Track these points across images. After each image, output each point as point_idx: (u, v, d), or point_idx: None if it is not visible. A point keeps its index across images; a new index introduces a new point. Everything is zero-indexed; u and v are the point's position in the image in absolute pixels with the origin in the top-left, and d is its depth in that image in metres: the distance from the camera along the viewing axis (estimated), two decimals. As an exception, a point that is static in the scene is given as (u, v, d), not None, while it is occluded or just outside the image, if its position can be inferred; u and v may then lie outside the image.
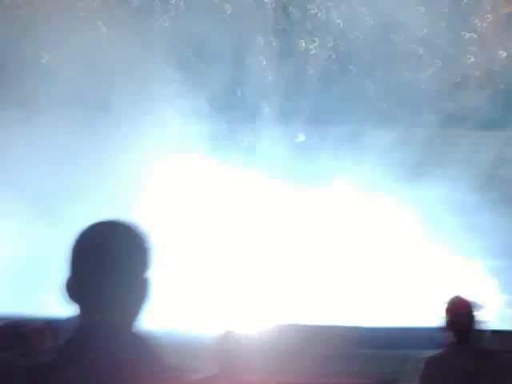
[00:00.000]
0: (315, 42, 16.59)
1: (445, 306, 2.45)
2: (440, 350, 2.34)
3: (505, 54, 16.17)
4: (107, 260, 1.01)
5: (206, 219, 14.98)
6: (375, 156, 15.84)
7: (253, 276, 14.72)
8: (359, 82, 16.44)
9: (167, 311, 13.78)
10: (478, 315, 2.34)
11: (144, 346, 1.00)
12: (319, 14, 16.61)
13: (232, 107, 16.58)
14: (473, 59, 16.29)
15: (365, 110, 16.07)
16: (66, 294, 1.03)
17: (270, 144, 15.83)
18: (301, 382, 5.67)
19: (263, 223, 15.71)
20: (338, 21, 15.79)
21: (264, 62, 16.16)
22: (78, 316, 1.03)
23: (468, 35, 15.96)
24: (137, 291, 1.04)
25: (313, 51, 16.57)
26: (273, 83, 16.16)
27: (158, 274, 1.05)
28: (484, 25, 16.07)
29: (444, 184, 15.93)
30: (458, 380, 2.26)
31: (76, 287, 1.03)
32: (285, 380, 5.12)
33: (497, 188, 17.64)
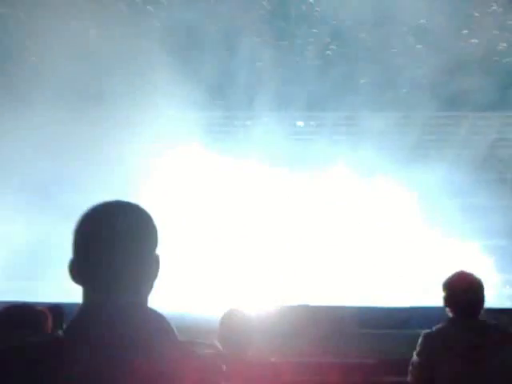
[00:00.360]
0: (312, 28, 16.42)
1: (444, 282, 2.48)
2: (439, 325, 2.36)
3: (501, 36, 16.06)
4: (113, 238, 0.99)
5: (205, 204, 15.01)
6: (373, 140, 15.83)
7: (256, 258, 14.85)
8: (356, 67, 16.31)
9: (174, 292, 13.94)
10: (478, 290, 2.38)
11: (155, 321, 0.98)
12: (315, 2, 16.42)
13: (228, 94, 16.46)
14: (469, 42, 16.17)
15: (362, 95, 15.97)
16: (71, 274, 1.01)
17: (267, 130, 15.79)
18: (302, 361, 5.75)
19: (262, 207, 15.77)
20: (334, 8, 15.58)
21: (260, 50, 16.00)
22: (85, 295, 1.00)
23: (463, 18, 15.82)
24: (145, 268, 1.02)
25: (310, 38, 16.41)
26: (270, 70, 16.03)
27: (163, 255, 1.07)
28: (478, 9, 15.94)
29: (441, 166, 15.97)
30: (457, 354, 2.28)
31: (82, 267, 1.00)
32: (287, 358, 5.21)
33: (493, 169, 17.68)
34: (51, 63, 13.72)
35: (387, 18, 15.59)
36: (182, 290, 12.87)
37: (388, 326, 9.80)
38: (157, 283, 1.04)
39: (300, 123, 17.86)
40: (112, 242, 0.97)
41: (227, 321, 2.34)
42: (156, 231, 1.04)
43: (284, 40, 16.73)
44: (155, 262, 1.02)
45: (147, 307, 0.98)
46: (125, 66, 14.25)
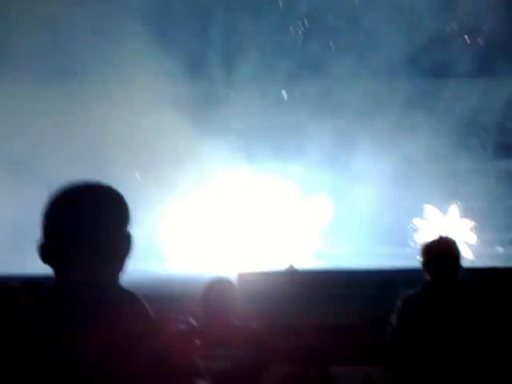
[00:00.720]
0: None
1: (422, 247, 2.53)
2: (418, 289, 2.41)
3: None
4: (81, 218, 0.98)
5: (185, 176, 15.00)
6: (355, 107, 15.84)
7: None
8: (336, 37, 16.22)
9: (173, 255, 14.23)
10: (454, 254, 2.42)
11: (127, 299, 0.98)
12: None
13: (209, 66, 16.24)
14: (449, 12, 16.16)
15: (343, 65, 15.91)
16: (41, 255, 1.00)
17: (249, 100, 15.67)
18: (288, 324, 5.87)
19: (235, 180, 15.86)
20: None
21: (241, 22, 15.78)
22: (56, 275, 0.99)
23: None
24: (115, 247, 1.01)
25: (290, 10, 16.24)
26: (251, 41, 15.83)
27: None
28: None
29: (424, 132, 16.08)
30: (434, 316, 2.34)
31: (51, 247, 0.99)
32: (273, 322, 5.34)
33: (474, 134, 17.87)
34: (21, 38, 13.41)
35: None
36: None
37: (374, 286, 10.07)
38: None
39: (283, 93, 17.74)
40: (80, 222, 0.96)
41: (211, 287, 2.37)
42: (126, 210, 1.02)
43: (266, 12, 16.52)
44: (126, 240, 1.01)
45: (119, 285, 0.97)
46: (98, 39, 13.97)
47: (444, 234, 2.79)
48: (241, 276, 10.12)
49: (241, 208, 15.57)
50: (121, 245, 1.00)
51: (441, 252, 2.57)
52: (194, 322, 2.16)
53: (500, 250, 16.33)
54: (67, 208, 0.97)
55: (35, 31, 13.47)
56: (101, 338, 0.93)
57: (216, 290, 2.33)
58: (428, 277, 2.63)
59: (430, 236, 2.75)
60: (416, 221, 16.61)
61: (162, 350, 0.92)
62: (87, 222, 0.96)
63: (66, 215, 0.97)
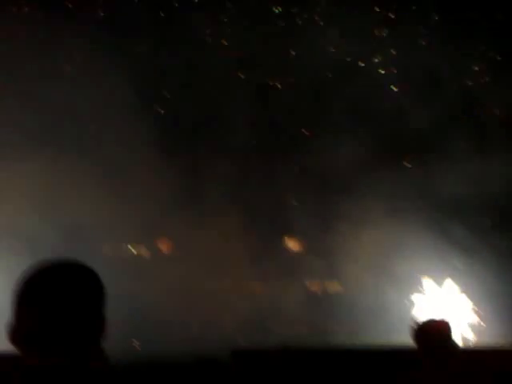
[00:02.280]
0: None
1: (415, 330, 2.48)
2: (413, 371, 2.34)
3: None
4: (53, 300, 0.96)
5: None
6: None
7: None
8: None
9: None
10: (447, 336, 2.37)
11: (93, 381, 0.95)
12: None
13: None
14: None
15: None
16: (10, 337, 0.97)
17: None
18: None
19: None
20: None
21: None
22: (24, 359, 0.95)
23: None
24: (89, 330, 0.98)
25: None
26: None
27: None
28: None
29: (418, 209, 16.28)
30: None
31: (21, 330, 0.96)
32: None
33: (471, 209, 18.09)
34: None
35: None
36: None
37: (372, 365, 9.74)
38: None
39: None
40: (52, 303, 0.92)
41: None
42: (103, 292, 0.99)
43: None
44: (102, 323, 0.97)
45: (91, 370, 0.93)
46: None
47: (437, 317, 2.74)
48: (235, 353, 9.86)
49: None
50: (95, 330, 0.96)
51: (429, 338, 2.53)
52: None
53: (502, 329, 15.99)
54: (39, 288, 0.94)
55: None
56: None
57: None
58: (422, 357, 2.56)
59: (421, 318, 2.72)
60: (413, 296, 16.39)
61: None
62: (63, 304, 0.93)
63: (37, 296, 0.93)
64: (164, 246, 21.02)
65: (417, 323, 2.74)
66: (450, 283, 16.99)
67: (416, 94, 17.66)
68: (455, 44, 16.50)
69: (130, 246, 19.26)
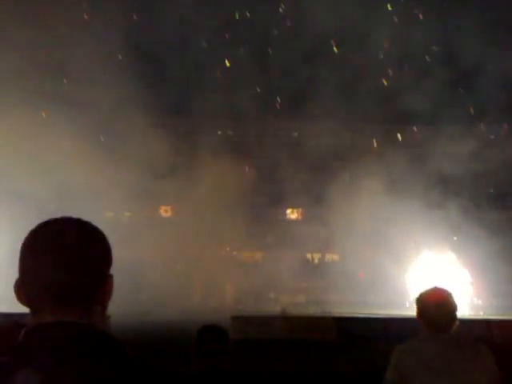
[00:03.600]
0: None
1: (417, 297, 2.51)
2: (412, 340, 2.38)
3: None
4: (59, 257, 0.94)
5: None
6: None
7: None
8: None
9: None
10: (450, 305, 2.40)
11: (104, 345, 0.93)
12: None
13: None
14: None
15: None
16: (17, 294, 0.94)
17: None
18: (278, 370, 5.72)
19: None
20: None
21: None
22: (31, 316, 0.94)
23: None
24: (95, 288, 0.96)
25: None
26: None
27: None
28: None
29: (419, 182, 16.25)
30: (430, 369, 2.30)
31: (27, 287, 0.94)
32: (264, 367, 5.23)
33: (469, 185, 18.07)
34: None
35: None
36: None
37: (365, 335, 9.95)
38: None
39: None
40: (59, 260, 0.91)
41: (203, 335, 2.31)
42: (108, 250, 0.97)
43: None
44: (107, 282, 0.96)
45: (96, 329, 0.92)
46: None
47: (439, 285, 2.76)
48: (234, 319, 10.06)
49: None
50: (101, 288, 0.94)
51: (436, 302, 2.52)
52: (172, 369, 2.10)
53: (494, 302, 16.23)
54: (47, 245, 0.92)
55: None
56: (76, 381, 0.89)
57: (208, 335, 2.29)
58: (423, 327, 2.57)
59: (425, 286, 2.72)
60: (412, 268, 16.58)
61: None
62: (68, 260, 0.92)
63: (45, 253, 0.92)
64: (165, 214, 21.10)
65: (419, 293, 2.72)
66: (449, 255, 17.17)
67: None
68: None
69: (129, 213, 19.38)
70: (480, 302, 15.78)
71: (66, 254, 0.90)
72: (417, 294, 2.70)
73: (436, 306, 2.44)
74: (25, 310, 0.96)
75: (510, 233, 17.60)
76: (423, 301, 2.54)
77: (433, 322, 2.44)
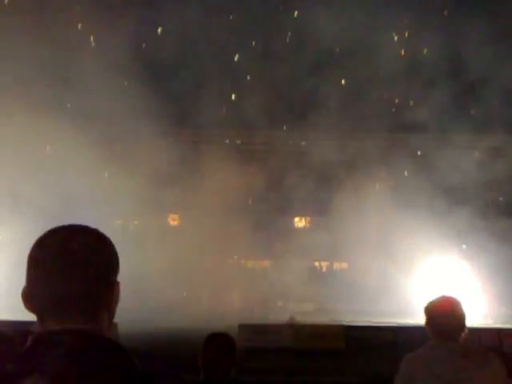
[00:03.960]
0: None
1: (425, 306, 2.50)
2: (420, 349, 2.37)
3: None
4: (67, 263, 0.94)
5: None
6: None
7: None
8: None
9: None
10: (458, 314, 2.39)
11: (112, 352, 0.93)
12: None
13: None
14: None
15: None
16: (24, 301, 0.94)
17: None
18: (287, 380, 5.69)
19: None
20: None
21: None
22: (38, 324, 0.94)
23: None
24: (102, 295, 0.96)
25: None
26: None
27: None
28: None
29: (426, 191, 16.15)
30: (438, 378, 2.28)
31: (34, 294, 0.94)
32: (271, 377, 5.21)
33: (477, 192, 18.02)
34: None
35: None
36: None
37: (374, 344, 9.89)
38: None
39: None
40: (66, 267, 0.91)
41: (210, 343, 2.31)
42: (115, 257, 0.97)
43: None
44: (114, 289, 0.96)
45: (104, 336, 0.93)
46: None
47: (448, 294, 2.74)
48: (241, 327, 10.05)
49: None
50: (108, 295, 0.95)
51: (444, 310, 2.51)
52: (183, 376, 2.10)
53: (504, 310, 16.08)
54: (54, 252, 0.93)
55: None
56: None
57: (215, 343, 2.29)
58: (431, 335, 2.55)
59: (434, 295, 2.71)
60: (420, 276, 16.48)
61: None
62: (75, 268, 0.92)
63: (53, 260, 0.92)
64: (173, 222, 21.19)
65: (427, 301, 2.71)
66: (458, 264, 17.06)
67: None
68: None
69: (138, 221, 19.52)
70: (490, 310, 15.65)
71: (74, 262, 0.90)
72: (425, 303, 2.68)
73: (444, 314, 2.42)
74: (31, 317, 0.96)
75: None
76: (431, 309, 2.53)
77: (441, 330, 2.43)
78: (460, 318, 2.43)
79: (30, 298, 0.88)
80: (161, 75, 18.02)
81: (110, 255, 0.94)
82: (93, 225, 1.03)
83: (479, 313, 14.91)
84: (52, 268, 0.89)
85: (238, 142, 22.15)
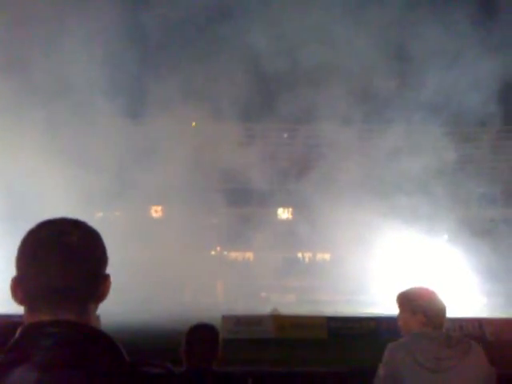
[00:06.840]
0: None
1: (407, 295, 2.52)
2: (404, 338, 2.39)
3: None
4: (56, 256, 0.94)
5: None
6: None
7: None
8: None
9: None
10: (441, 302, 2.42)
11: (101, 342, 0.94)
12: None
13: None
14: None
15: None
16: (13, 293, 0.95)
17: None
18: (272, 371, 5.73)
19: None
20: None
21: None
22: (27, 316, 0.94)
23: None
24: (92, 288, 0.96)
25: None
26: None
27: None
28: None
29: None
30: (422, 366, 2.30)
31: (24, 285, 0.94)
32: (254, 368, 5.25)
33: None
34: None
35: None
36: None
37: (357, 334, 10.02)
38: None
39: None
40: (65, 260, 0.93)
41: (193, 334, 2.30)
42: (104, 250, 0.99)
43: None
44: (103, 281, 0.98)
45: (93, 327, 0.94)
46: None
47: (422, 285, 2.77)
48: (225, 319, 10.09)
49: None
50: (98, 288, 0.96)
51: (427, 298, 2.53)
52: (170, 367, 2.09)
53: (483, 300, 16.40)
54: (45, 244, 0.95)
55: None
56: (74, 379, 0.90)
57: (198, 335, 2.28)
58: (415, 326, 2.57)
59: (411, 286, 2.73)
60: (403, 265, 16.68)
61: None
62: (73, 261, 0.94)
63: (44, 252, 0.94)
64: (156, 214, 21.11)
65: (401, 291, 2.73)
66: (440, 253, 17.31)
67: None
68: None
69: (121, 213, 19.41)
70: (472, 300, 15.94)
71: (65, 254, 0.91)
72: (403, 292, 2.68)
73: (428, 303, 2.45)
74: (21, 310, 0.96)
75: (504, 232, 17.76)
76: (413, 298, 2.54)
77: (425, 319, 2.45)
78: (442, 307, 2.46)
79: (19, 288, 0.88)
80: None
81: (100, 248, 0.95)
82: (75, 217, 1.04)
83: (461, 302, 15.21)
84: (43, 259, 0.91)
85: (218, 132, 22.10)
